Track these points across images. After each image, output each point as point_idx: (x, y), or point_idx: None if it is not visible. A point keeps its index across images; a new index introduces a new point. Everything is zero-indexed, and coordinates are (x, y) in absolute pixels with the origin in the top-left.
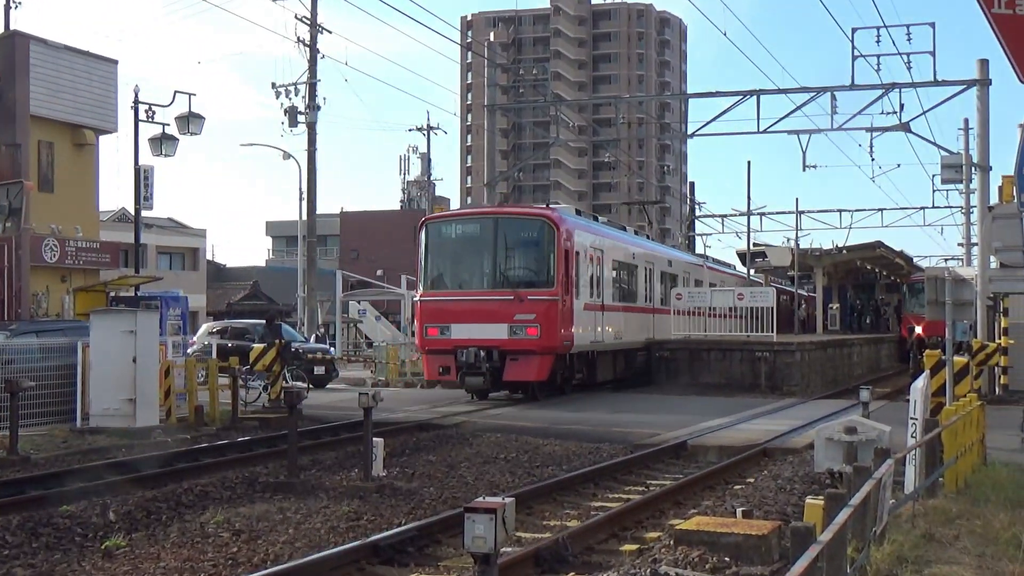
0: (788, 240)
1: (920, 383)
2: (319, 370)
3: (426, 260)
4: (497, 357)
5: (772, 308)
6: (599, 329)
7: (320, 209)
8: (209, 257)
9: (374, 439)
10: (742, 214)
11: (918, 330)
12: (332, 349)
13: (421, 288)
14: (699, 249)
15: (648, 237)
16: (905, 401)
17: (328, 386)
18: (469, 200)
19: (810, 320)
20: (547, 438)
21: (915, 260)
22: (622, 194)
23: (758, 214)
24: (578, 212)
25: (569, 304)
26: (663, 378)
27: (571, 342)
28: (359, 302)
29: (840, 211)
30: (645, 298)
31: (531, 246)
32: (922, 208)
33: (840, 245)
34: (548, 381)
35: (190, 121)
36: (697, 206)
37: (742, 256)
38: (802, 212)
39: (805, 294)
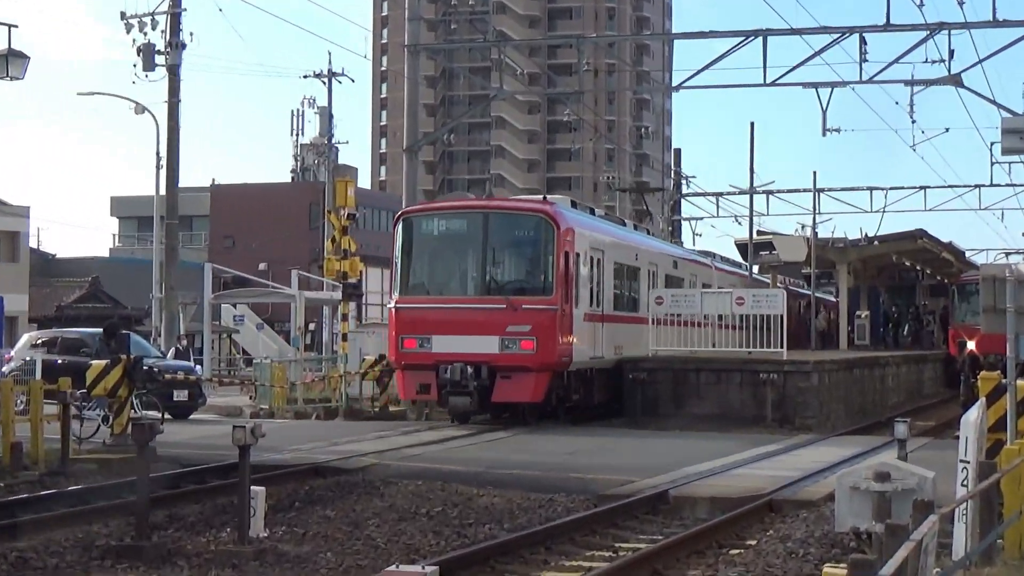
0: (803, 227)
1: (973, 415)
2: (180, 395)
3: (402, 260)
4: (486, 374)
5: (782, 316)
6: (599, 343)
7: (184, 181)
8: (33, 245)
9: (253, 488)
10: (743, 192)
11: (970, 346)
12: (198, 368)
13: (396, 293)
14: (686, 238)
15: (648, 232)
16: (954, 438)
17: (193, 417)
18: (383, 170)
19: (831, 332)
20: (483, 486)
21: (967, 255)
22: (586, 164)
23: (763, 192)
24: (574, 204)
25: (569, 314)
26: (637, 407)
27: (570, 358)
28: (235, 306)
29: (871, 189)
30: (648, 306)
31: (527, 246)
32: (977, 186)
33: (870, 234)
34: (543, 403)
35: (9, 61)
36: (684, 181)
37: (742, 248)
38: (821, 191)
39: (825, 298)
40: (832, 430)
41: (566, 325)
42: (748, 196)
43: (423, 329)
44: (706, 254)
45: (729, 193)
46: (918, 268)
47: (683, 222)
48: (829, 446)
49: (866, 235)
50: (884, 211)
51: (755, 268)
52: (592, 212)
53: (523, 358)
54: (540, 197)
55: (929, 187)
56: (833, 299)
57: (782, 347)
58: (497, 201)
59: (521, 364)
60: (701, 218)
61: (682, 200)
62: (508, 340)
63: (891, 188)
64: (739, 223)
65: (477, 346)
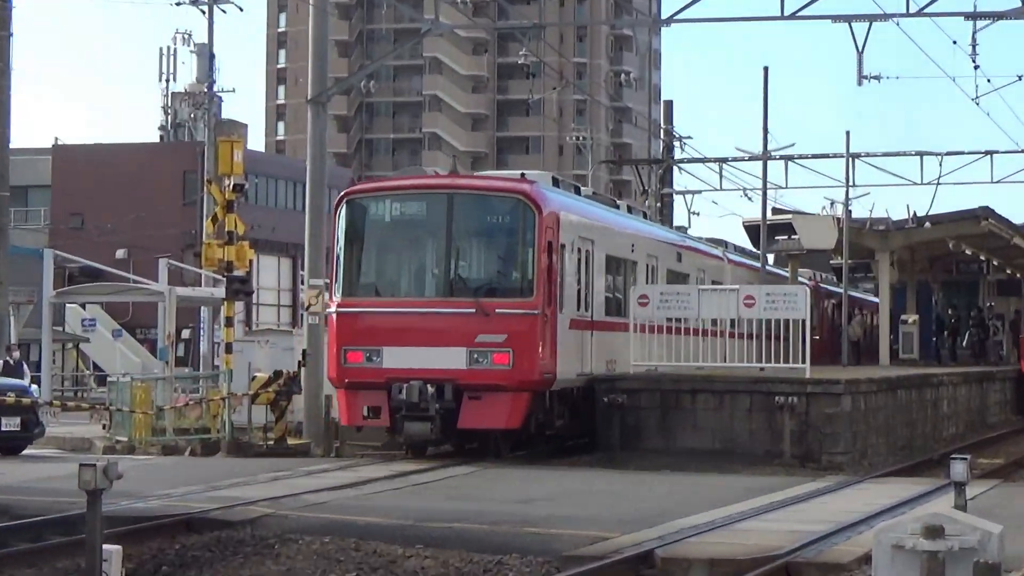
0: (832, 205)
1: None
2: (10, 423)
3: (345, 252)
4: (451, 395)
5: (804, 321)
6: (588, 356)
7: (18, 141)
8: None
9: (106, 547)
10: (753, 158)
11: None
12: (34, 388)
13: (338, 294)
14: (679, 218)
15: (645, 216)
16: None
17: (27, 452)
18: (281, 126)
19: (869, 342)
20: (412, 544)
21: None
22: (548, 121)
23: (781, 159)
24: (556, 181)
25: (552, 320)
26: (615, 439)
27: (553, 375)
28: (83, 306)
29: (920, 155)
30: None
31: (501, 236)
32: None
33: (920, 214)
34: (521, 429)
35: None
36: (677, 143)
37: (753, 231)
38: (856, 156)
39: (861, 298)
40: (869, 470)
41: (550, 334)
42: (761, 163)
43: (372, 339)
44: (716, 243)
45: (736, 159)
46: (982, 259)
47: (676, 197)
48: (865, 491)
49: (915, 215)
50: (938, 183)
51: (770, 258)
52: (577, 191)
53: (497, 375)
54: (517, 174)
55: (997, 152)
56: (872, 299)
57: (805, 362)
58: (464, 179)
59: (494, 382)
60: (699, 192)
61: (674, 168)
62: (478, 353)
63: (948, 153)
64: (749, 199)
65: (440, 360)
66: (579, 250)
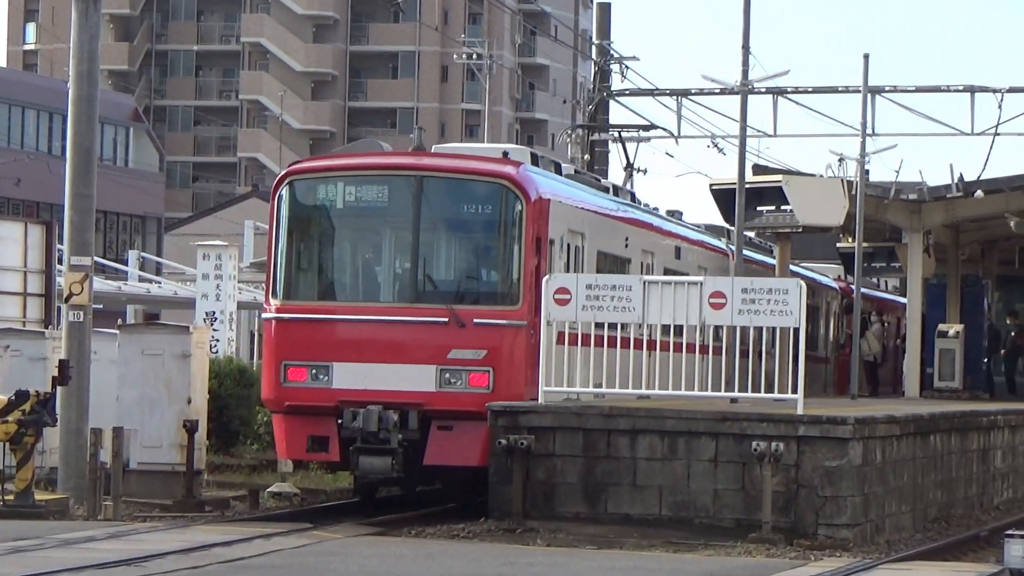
0: (841, 162)
1: None
2: None
3: (287, 246)
4: (416, 423)
5: (798, 330)
6: (576, 376)
7: None
8: None
9: None
10: (728, 91)
11: None
12: None
13: (277, 296)
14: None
15: (634, 199)
16: None
17: None
18: (31, 31)
19: (891, 361)
20: None
21: None
22: (425, 30)
23: (768, 92)
24: (535, 159)
25: (539, 332)
26: (515, 499)
27: (536, 400)
28: None
29: (971, 91)
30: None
31: (481, 229)
32: None
33: (968, 178)
34: None
35: None
36: (616, 67)
37: (724, 198)
38: (878, 91)
39: (881, 297)
40: (887, 551)
41: (537, 349)
42: (740, 98)
43: (319, 353)
44: (718, 232)
45: (703, 92)
46: None
47: (612, 145)
48: None
49: (961, 179)
50: (996, 133)
51: (749, 236)
52: (558, 169)
53: (473, 399)
54: (499, 150)
55: None
56: (895, 299)
57: (796, 391)
58: (436, 159)
59: (470, 408)
60: (647, 138)
61: (610, 103)
62: (451, 372)
63: (1011, 90)
64: (720, 150)
65: (403, 380)
66: (568, 246)
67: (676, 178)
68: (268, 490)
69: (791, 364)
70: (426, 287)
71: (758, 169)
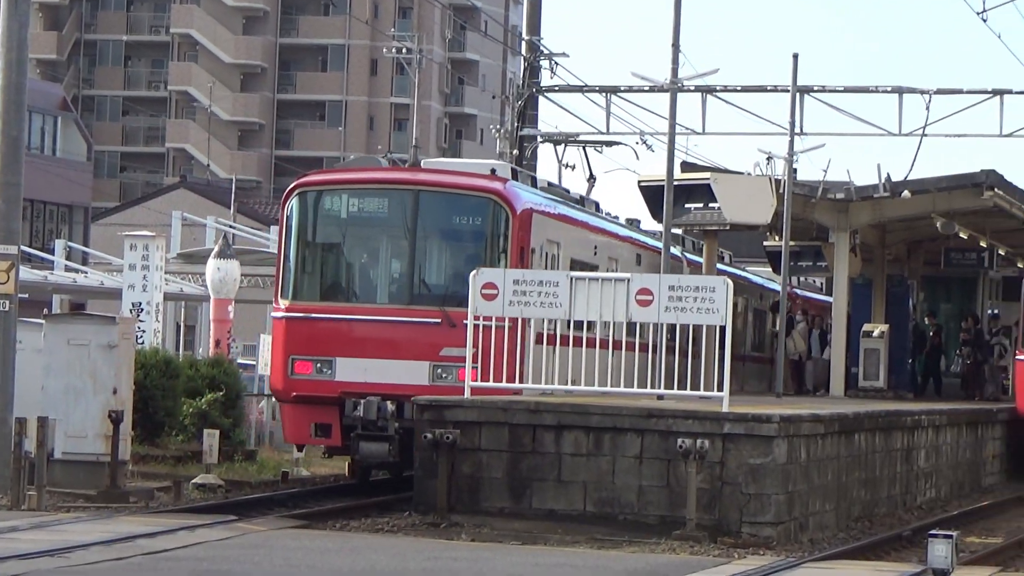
0: (769, 161)
1: None
2: None
3: (295, 251)
4: (411, 413)
5: (724, 328)
6: (553, 373)
7: None
8: None
9: None
10: (657, 88)
11: None
12: None
13: (286, 296)
14: (548, 171)
15: (598, 209)
16: None
17: None
18: None
19: (817, 361)
20: None
21: None
22: (355, 23)
23: (697, 90)
24: (515, 173)
25: (523, 334)
26: (439, 492)
27: (521, 394)
28: None
29: (899, 92)
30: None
31: (472, 239)
32: None
33: (895, 177)
34: None
35: None
36: (545, 63)
37: (652, 195)
38: (807, 91)
39: (805, 296)
40: (810, 549)
41: (520, 348)
42: (669, 96)
43: (323, 349)
44: (676, 240)
45: (632, 89)
46: (983, 246)
47: (543, 145)
48: None
49: (888, 179)
50: (924, 134)
51: (677, 233)
52: (534, 183)
53: (463, 392)
54: (487, 166)
55: (1011, 92)
56: (821, 299)
57: (722, 389)
58: (431, 174)
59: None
60: (576, 135)
61: (540, 98)
62: (442, 368)
63: (939, 92)
64: (649, 147)
65: (400, 374)
66: (547, 254)
67: (605, 174)
68: (193, 482)
69: (717, 360)
70: (421, 290)
71: (687, 167)
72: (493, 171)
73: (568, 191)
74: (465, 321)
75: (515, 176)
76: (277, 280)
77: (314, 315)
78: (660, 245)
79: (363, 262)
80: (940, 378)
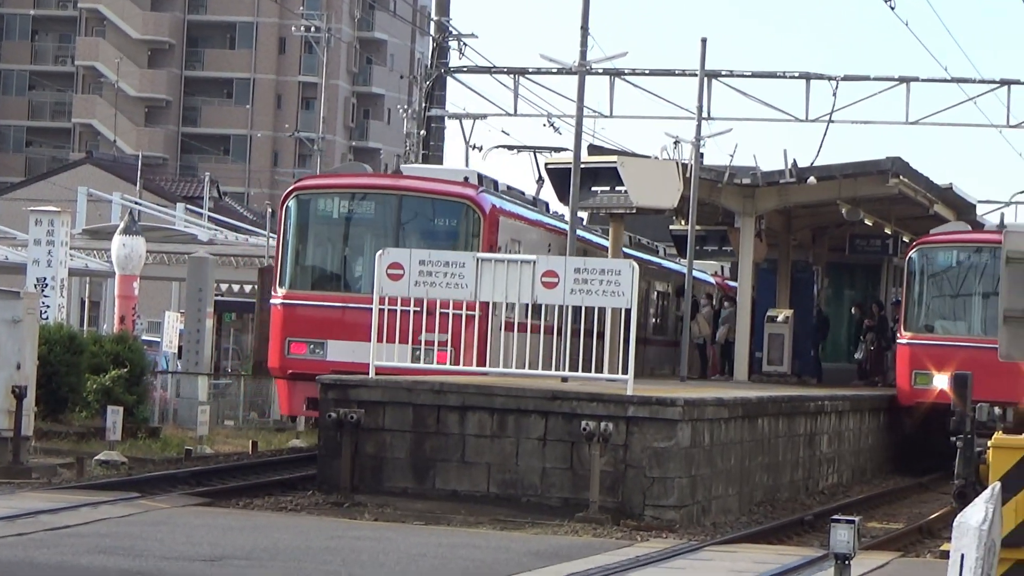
0: (676, 145)
1: (976, 515)
2: None
3: (292, 246)
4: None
5: (630, 310)
6: (512, 357)
7: None
8: None
9: None
10: (565, 71)
11: (940, 382)
12: None
13: (283, 285)
14: (452, 153)
15: (548, 210)
16: (938, 557)
17: None
18: None
19: (723, 344)
20: None
21: (983, 212)
22: (265, 3)
23: (605, 73)
24: (480, 179)
25: (489, 321)
26: (343, 472)
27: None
28: None
29: (807, 78)
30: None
31: (446, 237)
32: (1005, 83)
33: (802, 164)
34: None
35: None
36: (454, 43)
37: (559, 177)
38: (715, 75)
39: (711, 280)
40: (712, 533)
41: (484, 335)
42: (577, 78)
43: (315, 332)
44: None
45: (540, 71)
46: (888, 232)
47: (448, 121)
48: (705, 564)
49: (794, 165)
50: (830, 120)
51: (583, 217)
52: (496, 186)
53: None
54: (461, 173)
55: (917, 79)
56: (727, 282)
57: (627, 372)
58: (412, 180)
59: None
60: (483, 115)
61: (448, 79)
62: (419, 351)
63: (845, 78)
64: (556, 129)
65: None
66: (510, 252)
67: (513, 156)
68: (96, 458)
69: (622, 344)
70: None
71: (594, 149)
72: (466, 178)
73: (523, 193)
74: (441, 310)
75: (480, 181)
76: (275, 271)
77: (308, 302)
78: (603, 242)
79: (352, 256)
80: (849, 361)
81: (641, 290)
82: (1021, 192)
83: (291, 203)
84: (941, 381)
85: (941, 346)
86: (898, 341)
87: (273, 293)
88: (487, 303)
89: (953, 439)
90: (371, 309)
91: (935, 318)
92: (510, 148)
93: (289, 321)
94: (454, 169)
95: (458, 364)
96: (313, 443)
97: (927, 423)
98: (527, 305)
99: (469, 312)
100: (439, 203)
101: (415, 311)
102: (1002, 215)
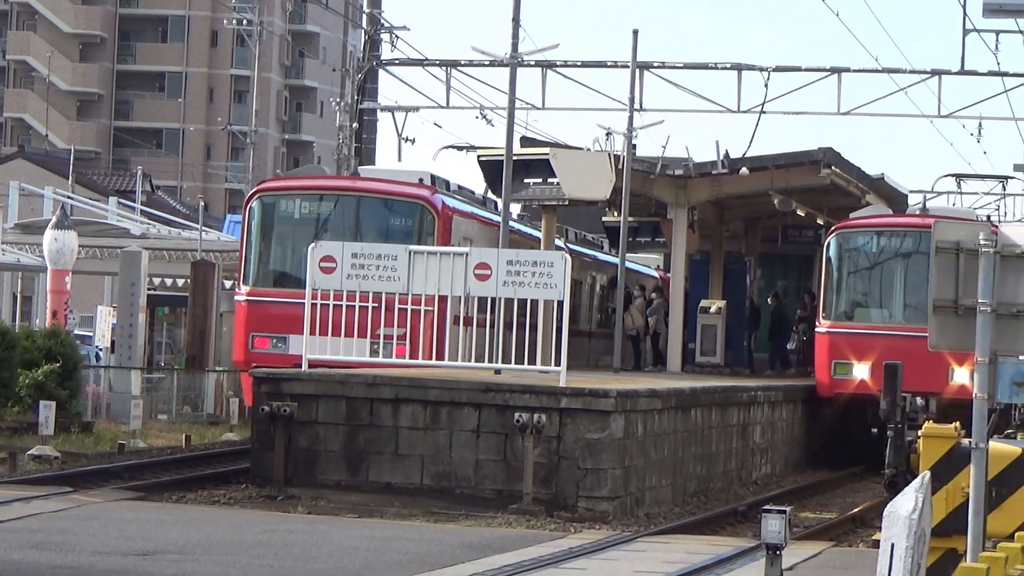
0: (608, 137)
1: (906, 504)
2: None
3: (256, 245)
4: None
5: (562, 303)
6: (466, 351)
7: None
8: None
9: None
10: (497, 63)
11: (860, 372)
12: None
13: (247, 282)
14: (385, 148)
15: (497, 208)
16: (869, 545)
17: None
18: None
19: (655, 336)
20: None
21: (913, 200)
22: (200, 17)
23: (537, 65)
24: (433, 179)
25: (443, 316)
26: (277, 465)
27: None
28: None
29: (738, 69)
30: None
31: (402, 236)
32: (936, 73)
33: (734, 155)
34: None
35: None
36: (386, 36)
37: (491, 169)
38: (647, 67)
39: (644, 272)
40: (646, 524)
41: (442, 328)
42: (508, 70)
43: (278, 327)
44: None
45: (472, 63)
46: (820, 223)
47: (381, 114)
48: (638, 555)
49: (727, 156)
50: (762, 111)
51: (515, 209)
52: (447, 186)
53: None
54: (416, 175)
55: (849, 70)
56: (660, 274)
57: (559, 364)
58: (369, 182)
59: None
60: (416, 108)
61: (380, 72)
62: (379, 344)
63: (777, 69)
64: (488, 121)
65: (344, 350)
66: None
67: (445, 149)
68: (28, 453)
69: (555, 336)
70: None
71: (526, 141)
72: (421, 180)
73: (473, 192)
74: (399, 306)
75: (433, 181)
76: (240, 269)
77: (271, 299)
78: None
79: None
80: (778, 355)
81: (583, 283)
82: (946, 176)
83: (254, 204)
84: (861, 371)
85: (861, 335)
86: (816, 330)
87: (237, 290)
88: (444, 297)
89: (874, 430)
90: (332, 305)
91: (855, 306)
92: (459, 148)
93: (253, 317)
94: (409, 171)
95: (415, 356)
96: (247, 437)
97: (847, 415)
98: (473, 299)
99: (427, 308)
100: (395, 203)
101: (361, 306)
102: (924, 197)
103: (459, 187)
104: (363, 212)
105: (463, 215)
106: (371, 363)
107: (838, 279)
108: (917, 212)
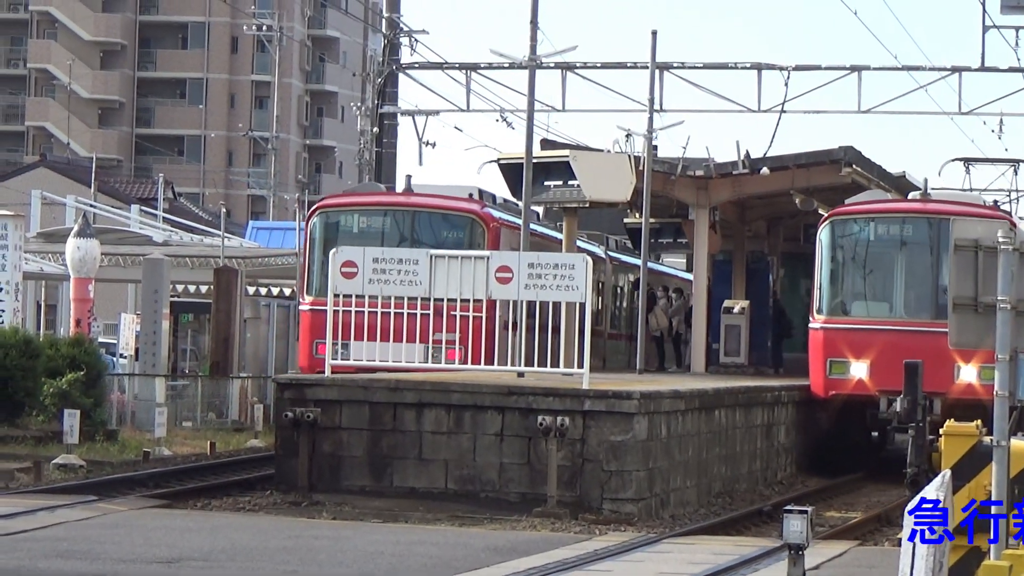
0: (629, 138)
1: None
2: None
3: (316, 257)
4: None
5: (584, 305)
6: (513, 355)
7: None
8: None
9: None
10: (516, 66)
11: (857, 371)
12: None
13: (310, 293)
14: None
15: (538, 218)
16: (893, 544)
17: None
18: None
19: (677, 337)
20: None
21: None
22: (216, 3)
23: (557, 67)
24: (481, 194)
25: (493, 321)
26: (302, 471)
27: None
28: None
29: (758, 68)
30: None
31: (455, 247)
32: (955, 70)
33: (755, 155)
34: None
35: None
36: (406, 40)
37: (512, 172)
38: (667, 67)
39: (669, 273)
40: (671, 525)
41: (491, 334)
42: (528, 73)
43: (341, 334)
44: (598, 240)
45: (492, 66)
46: None
47: (402, 119)
48: (664, 556)
49: (747, 156)
50: (783, 111)
51: (538, 212)
52: (494, 200)
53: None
54: (466, 191)
55: (868, 68)
56: (682, 275)
57: (582, 366)
58: (424, 198)
59: None
60: (436, 112)
61: (400, 76)
62: (435, 349)
63: (797, 68)
64: (508, 124)
65: (402, 354)
66: None
67: (465, 151)
68: (53, 462)
69: (577, 338)
70: None
71: (546, 144)
72: (471, 195)
73: (517, 204)
74: (452, 313)
75: (481, 196)
76: (303, 279)
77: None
78: (587, 246)
79: None
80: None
81: (624, 289)
82: (954, 160)
83: (316, 219)
84: (859, 370)
85: (859, 330)
86: (810, 326)
87: (301, 300)
88: (493, 311)
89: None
90: (391, 313)
91: (852, 299)
92: (502, 162)
93: (316, 325)
94: (458, 186)
95: (467, 360)
96: (271, 443)
97: (843, 418)
98: (522, 304)
99: (478, 315)
100: (448, 217)
101: (409, 312)
102: (925, 181)
103: (504, 200)
104: (418, 226)
105: (509, 227)
106: (398, 368)
107: (832, 270)
108: (918, 196)
